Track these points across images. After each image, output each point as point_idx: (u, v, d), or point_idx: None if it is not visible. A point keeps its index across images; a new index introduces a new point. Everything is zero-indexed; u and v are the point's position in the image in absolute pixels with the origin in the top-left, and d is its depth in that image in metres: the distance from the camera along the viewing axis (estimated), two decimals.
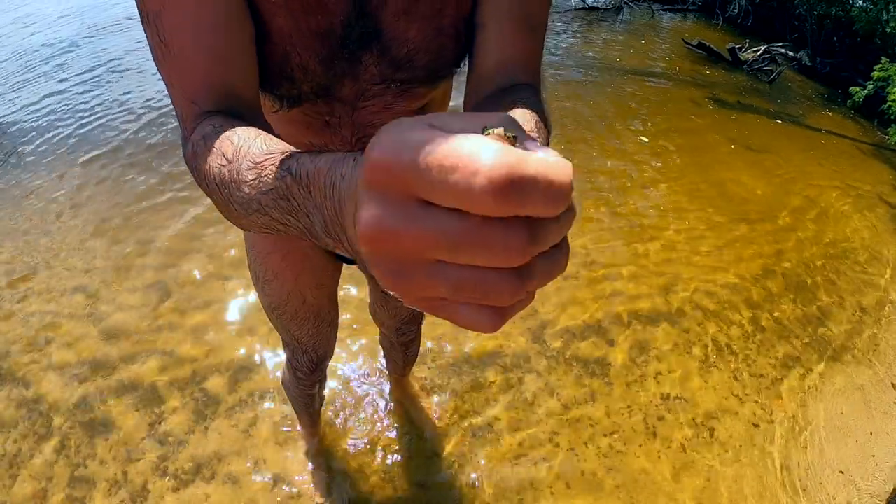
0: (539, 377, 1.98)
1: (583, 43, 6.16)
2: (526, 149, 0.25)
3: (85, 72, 4.85)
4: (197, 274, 2.38)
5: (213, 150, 0.48)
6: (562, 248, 0.27)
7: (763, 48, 5.37)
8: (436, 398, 1.88)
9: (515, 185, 0.22)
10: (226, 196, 0.47)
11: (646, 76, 5.08)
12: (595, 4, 7.68)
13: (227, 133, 0.48)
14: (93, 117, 4.00)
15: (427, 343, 2.05)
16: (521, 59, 0.63)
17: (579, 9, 7.58)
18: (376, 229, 0.25)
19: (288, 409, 1.77)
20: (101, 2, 6.87)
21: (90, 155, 3.61)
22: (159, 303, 2.26)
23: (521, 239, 0.24)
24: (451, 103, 0.96)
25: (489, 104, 0.57)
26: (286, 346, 1.25)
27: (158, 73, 0.57)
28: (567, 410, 1.86)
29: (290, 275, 1.04)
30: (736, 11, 6.54)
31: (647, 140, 3.76)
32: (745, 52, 5.40)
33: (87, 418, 1.82)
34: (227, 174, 0.46)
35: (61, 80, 4.86)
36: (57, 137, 3.85)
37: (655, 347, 2.11)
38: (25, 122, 4.43)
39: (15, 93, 4.82)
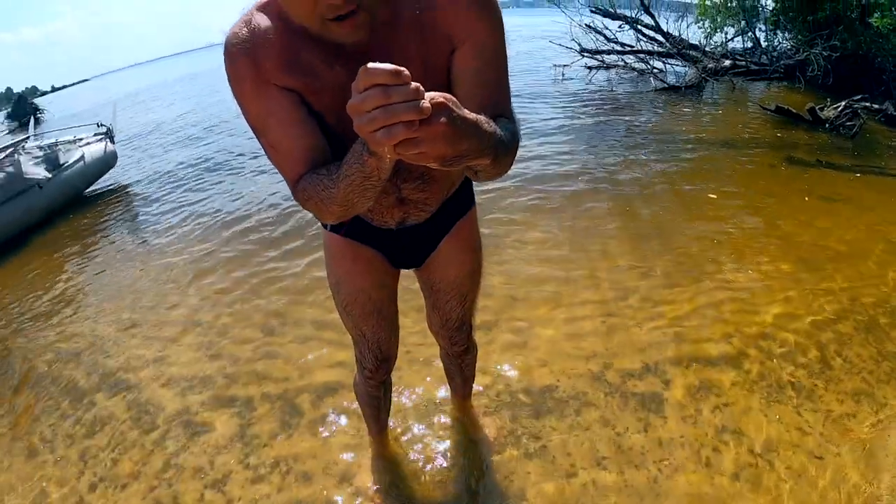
0: (595, 409, 2.05)
1: (663, 120, 6.39)
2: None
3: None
4: (298, 316, 2.79)
5: (314, 179, 0.89)
6: (412, 104, 0.58)
7: (843, 103, 5.27)
8: (494, 421, 2.00)
9: (367, 73, 0.57)
10: (325, 191, 0.85)
11: (723, 144, 5.17)
12: (676, 83, 7.86)
13: (318, 170, 0.90)
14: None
15: (490, 374, 2.22)
16: (491, 107, 0.88)
17: (660, 89, 7.78)
18: (349, 105, 0.60)
19: (362, 425, 1.97)
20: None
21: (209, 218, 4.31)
22: (263, 336, 2.65)
23: (379, 93, 0.57)
24: None
25: None
26: (355, 344, 1.48)
27: (270, 162, 0.97)
28: (619, 438, 1.91)
29: (357, 275, 1.32)
30: (815, 72, 6.47)
31: (715, 197, 3.82)
32: (826, 110, 5.32)
33: (186, 419, 2.16)
34: (324, 179, 0.86)
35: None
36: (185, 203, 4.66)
37: (715, 386, 2.12)
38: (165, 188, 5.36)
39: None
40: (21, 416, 2.47)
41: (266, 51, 0.89)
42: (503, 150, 0.80)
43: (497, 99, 0.93)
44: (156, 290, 3.42)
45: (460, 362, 1.73)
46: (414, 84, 0.58)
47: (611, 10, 9.48)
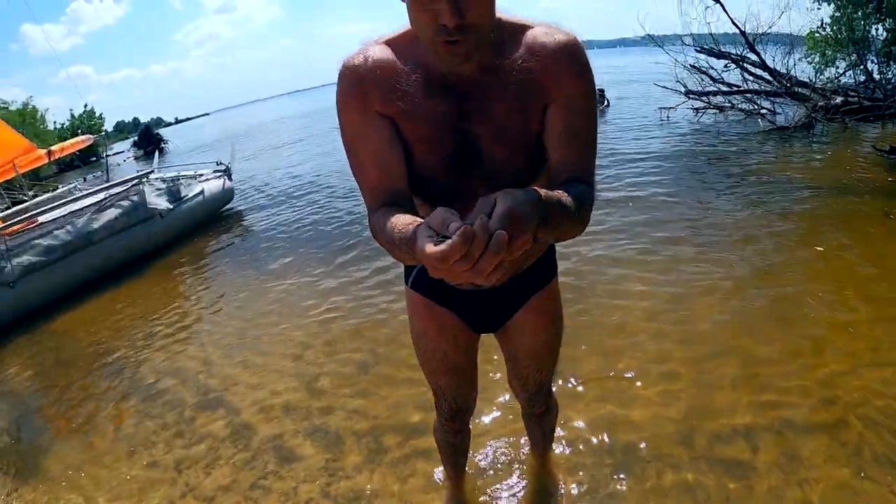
0: (677, 472, 1.99)
1: (770, 163, 6.15)
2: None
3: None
4: (393, 357, 2.93)
5: (385, 222, 0.90)
6: (493, 248, 0.62)
7: None
8: (571, 475, 2.00)
9: (442, 260, 0.62)
10: (389, 243, 0.89)
11: (833, 190, 4.88)
12: (784, 124, 7.51)
13: (390, 215, 0.90)
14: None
15: (573, 427, 2.21)
16: (572, 164, 0.98)
17: (770, 130, 7.47)
18: (433, 273, 0.65)
19: (442, 469, 2.04)
20: None
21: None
22: (359, 374, 2.82)
23: (463, 262, 0.62)
24: None
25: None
26: (434, 393, 1.56)
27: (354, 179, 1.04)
28: None
29: (433, 333, 1.40)
30: None
31: (822, 249, 3.61)
32: None
33: (277, 445, 2.35)
34: (389, 233, 0.87)
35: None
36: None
37: (806, 457, 2.00)
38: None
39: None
40: (126, 420, 2.79)
41: (374, 78, 0.99)
42: (568, 220, 0.82)
43: (579, 158, 0.99)
44: (262, 320, 3.72)
45: (539, 422, 1.75)
46: (478, 225, 0.62)
47: (715, 48, 9.21)
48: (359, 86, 0.99)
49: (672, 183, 5.63)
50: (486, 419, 2.33)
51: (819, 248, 3.65)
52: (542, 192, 0.75)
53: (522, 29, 1.00)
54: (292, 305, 3.87)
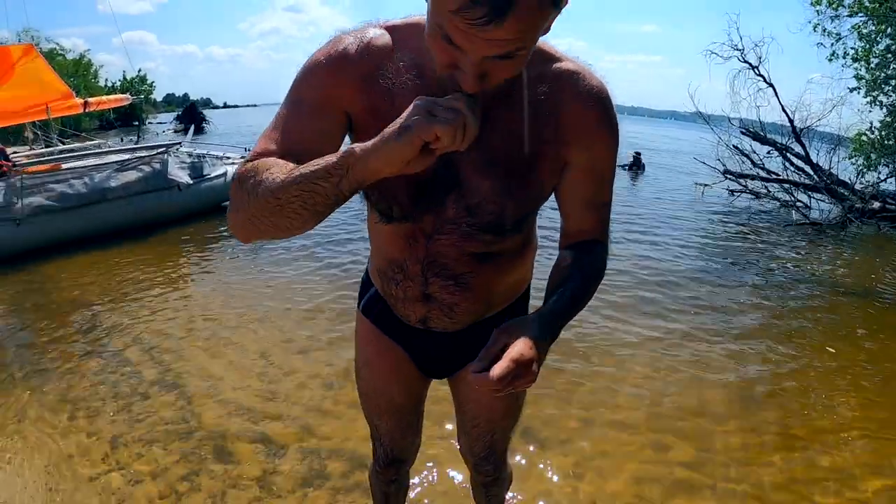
0: None
1: (798, 258, 6.02)
2: None
3: None
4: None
5: (267, 163, 0.76)
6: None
7: None
8: None
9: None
10: (263, 185, 0.72)
11: (857, 293, 4.73)
12: (818, 220, 7.38)
13: (280, 161, 0.76)
14: None
15: (529, 501, 1.99)
16: (590, 226, 0.94)
17: (801, 223, 7.32)
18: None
19: None
20: None
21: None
22: (324, 389, 2.67)
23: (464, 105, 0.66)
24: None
25: (568, 249, 0.94)
26: (371, 433, 1.36)
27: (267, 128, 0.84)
28: None
29: (378, 367, 1.22)
30: None
31: (834, 351, 3.43)
32: None
33: (219, 443, 2.21)
34: (273, 173, 0.72)
35: None
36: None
37: None
38: None
39: None
40: (80, 381, 2.69)
41: (358, 64, 0.83)
42: (580, 308, 0.87)
43: (599, 223, 0.95)
44: (246, 313, 3.60)
45: (486, 492, 1.49)
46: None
47: (761, 133, 9.14)
48: (340, 63, 0.83)
49: (692, 261, 5.47)
50: (431, 473, 2.10)
51: (831, 350, 3.47)
52: (554, 320, 0.81)
53: (548, 57, 0.85)
54: (281, 304, 3.75)
